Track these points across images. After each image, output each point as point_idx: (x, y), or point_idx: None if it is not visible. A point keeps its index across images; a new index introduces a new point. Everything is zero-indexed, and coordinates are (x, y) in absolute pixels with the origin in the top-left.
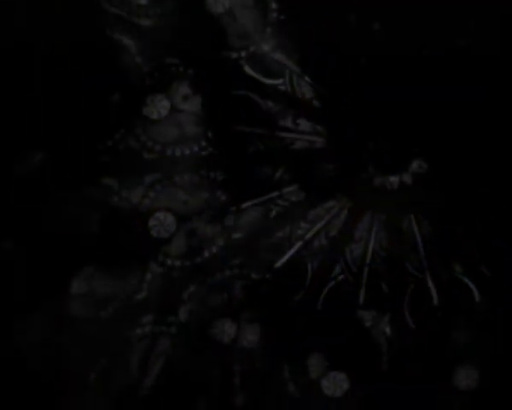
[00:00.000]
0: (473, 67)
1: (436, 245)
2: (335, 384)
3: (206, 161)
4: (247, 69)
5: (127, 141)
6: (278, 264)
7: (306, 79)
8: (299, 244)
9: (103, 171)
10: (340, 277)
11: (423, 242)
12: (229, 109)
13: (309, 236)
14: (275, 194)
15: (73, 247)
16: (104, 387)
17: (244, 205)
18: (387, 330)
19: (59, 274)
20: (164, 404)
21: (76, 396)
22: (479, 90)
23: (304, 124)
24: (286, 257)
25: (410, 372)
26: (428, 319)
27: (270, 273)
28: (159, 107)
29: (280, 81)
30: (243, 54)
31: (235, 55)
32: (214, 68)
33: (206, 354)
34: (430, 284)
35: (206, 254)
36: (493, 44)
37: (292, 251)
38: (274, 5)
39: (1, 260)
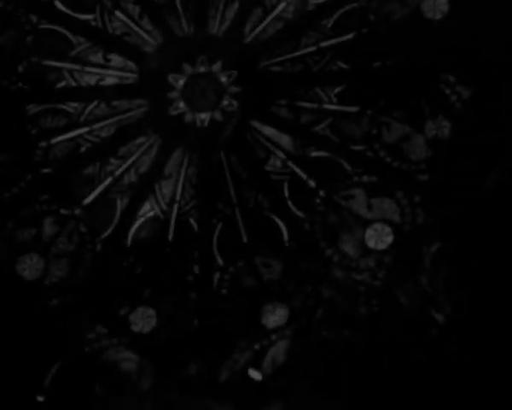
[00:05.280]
0: None
1: (246, 182)
2: (143, 320)
3: (16, 95)
4: (58, 4)
5: None
6: (87, 200)
7: (117, 14)
8: (108, 180)
9: None
10: (150, 213)
11: (233, 179)
12: (39, 43)
13: (119, 172)
14: (85, 130)
15: None
16: None
17: (54, 140)
18: (196, 268)
19: None
20: None
21: None
22: None
23: (115, 59)
24: (95, 193)
25: (220, 310)
26: (237, 257)
27: (79, 209)
28: None
29: (91, 17)
30: None
31: None
32: None
33: (12, 289)
34: (239, 221)
35: (15, 188)
36: None
37: (101, 187)
38: None
39: None
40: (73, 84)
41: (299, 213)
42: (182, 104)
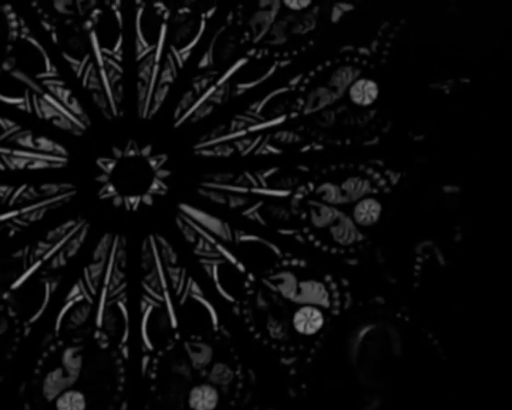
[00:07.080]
0: None
1: (174, 266)
2: (72, 405)
3: None
4: None
5: None
6: (16, 284)
7: (46, 98)
8: (37, 264)
9: None
10: (79, 297)
11: (162, 262)
12: None
13: (47, 256)
14: (13, 213)
15: None
16: None
17: None
18: (124, 351)
19: None
20: None
21: None
22: None
23: (44, 143)
24: (24, 277)
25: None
26: (166, 341)
27: (7, 293)
28: None
29: (20, 100)
30: None
31: None
32: None
33: None
34: (168, 305)
35: None
36: None
37: (30, 271)
38: (15, 24)
39: None
40: (2, 168)
41: (229, 298)
42: (111, 188)
